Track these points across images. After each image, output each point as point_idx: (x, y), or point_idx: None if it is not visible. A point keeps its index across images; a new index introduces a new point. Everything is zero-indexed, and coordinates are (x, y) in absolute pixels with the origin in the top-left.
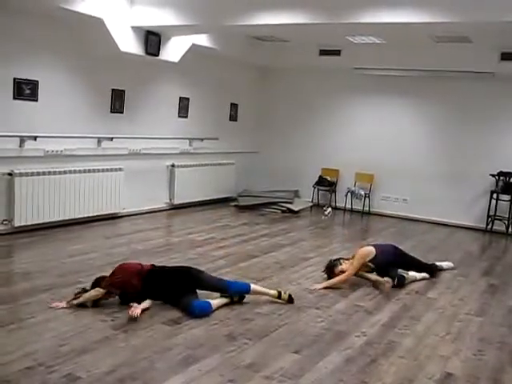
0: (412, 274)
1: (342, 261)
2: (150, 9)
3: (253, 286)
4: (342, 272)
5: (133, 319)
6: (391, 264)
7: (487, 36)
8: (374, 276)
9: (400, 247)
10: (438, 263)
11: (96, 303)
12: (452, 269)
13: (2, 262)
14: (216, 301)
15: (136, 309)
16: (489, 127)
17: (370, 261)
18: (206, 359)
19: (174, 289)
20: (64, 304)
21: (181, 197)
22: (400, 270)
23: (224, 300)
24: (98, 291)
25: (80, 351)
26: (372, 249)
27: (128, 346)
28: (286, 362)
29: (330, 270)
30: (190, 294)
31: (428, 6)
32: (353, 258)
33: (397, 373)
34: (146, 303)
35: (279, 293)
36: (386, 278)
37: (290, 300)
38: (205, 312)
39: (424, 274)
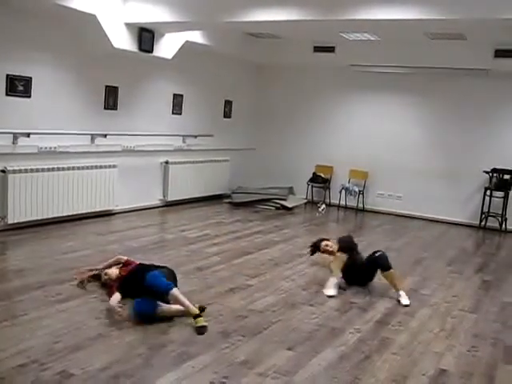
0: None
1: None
2: (144, 5)
3: (175, 292)
4: (327, 247)
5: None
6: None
7: (482, 33)
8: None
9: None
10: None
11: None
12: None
13: None
14: (172, 306)
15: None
16: (483, 124)
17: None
18: (200, 356)
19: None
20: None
21: (174, 194)
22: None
23: (179, 308)
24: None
25: (74, 348)
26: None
27: (122, 343)
28: (280, 359)
29: (316, 246)
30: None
31: (422, 3)
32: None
33: (390, 369)
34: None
35: (198, 315)
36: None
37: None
38: (143, 312)
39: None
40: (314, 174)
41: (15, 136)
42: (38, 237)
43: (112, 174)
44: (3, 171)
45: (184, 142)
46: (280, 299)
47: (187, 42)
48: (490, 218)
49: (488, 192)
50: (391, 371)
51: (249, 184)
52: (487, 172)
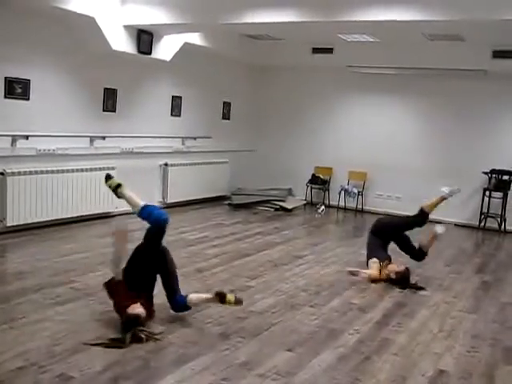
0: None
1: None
2: (142, 7)
3: (190, 297)
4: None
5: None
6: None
7: (480, 34)
8: None
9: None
10: None
11: None
12: None
13: None
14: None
15: None
16: (481, 125)
17: None
18: (200, 358)
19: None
20: None
21: (174, 196)
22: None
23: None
24: None
25: (73, 351)
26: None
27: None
28: (280, 360)
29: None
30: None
31: (421, 4)
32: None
33: (390, 370)
34: None
35: (220, 295)
36: None
37: (238, 302)
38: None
39: None
40: (313, 175)
41: (14, 138)
42: (37, 239)
43: None
44: (2, 173)
45: (183, 143)
46: (280, 300)
47: (186, 43)
48: (489, 218)
49: (487, 193)
50: (391, 372)
51: (248, 185)
52: (486, 173)
